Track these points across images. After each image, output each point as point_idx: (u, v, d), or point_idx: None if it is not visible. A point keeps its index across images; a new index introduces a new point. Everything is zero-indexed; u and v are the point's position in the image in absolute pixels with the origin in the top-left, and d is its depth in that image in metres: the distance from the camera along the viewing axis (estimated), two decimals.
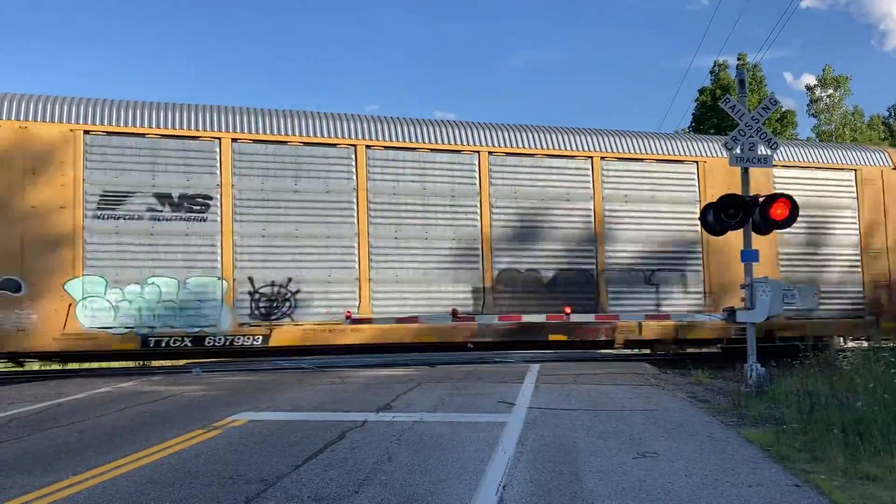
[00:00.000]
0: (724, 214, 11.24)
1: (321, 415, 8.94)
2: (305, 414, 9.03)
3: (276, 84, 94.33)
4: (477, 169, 15.70)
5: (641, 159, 16.66)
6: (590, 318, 15.57)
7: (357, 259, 14.88)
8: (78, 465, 6.48)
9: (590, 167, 16.34)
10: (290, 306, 14.51)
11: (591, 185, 16.29)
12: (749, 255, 11.31)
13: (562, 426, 8.02)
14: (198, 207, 14.24)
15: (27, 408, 9.97)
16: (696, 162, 16.92)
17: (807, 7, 71.46)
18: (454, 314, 14.91)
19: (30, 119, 13.64)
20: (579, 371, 13.64)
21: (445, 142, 15.64)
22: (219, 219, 14.29)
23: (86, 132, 13.83)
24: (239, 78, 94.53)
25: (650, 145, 16.81)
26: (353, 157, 15.08)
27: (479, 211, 15.63)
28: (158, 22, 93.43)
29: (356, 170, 15.05)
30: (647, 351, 17.66)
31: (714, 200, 11.63)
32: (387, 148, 15.30)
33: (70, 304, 13.42)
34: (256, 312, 14.35)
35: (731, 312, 11.39)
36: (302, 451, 6.85)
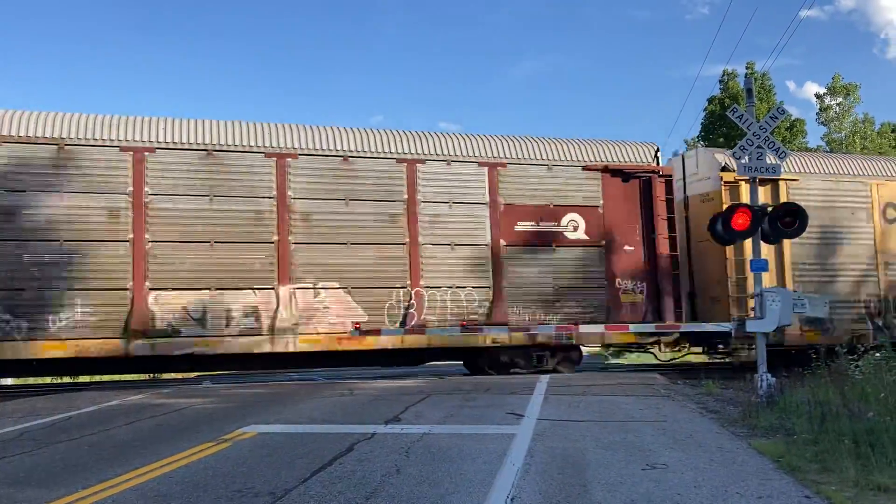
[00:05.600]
0: (732, 224, 11.20)
1: (330, 427, 8.95)
2: (314, 426, 9.04)
3: (275, 94, 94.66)
4: None
5: None
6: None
7: None
8: (88, 479, 6.51)
9: None
10: None
11: None
12: (759, 265, 11.26)
13: (571, 437, 7.99)
14: None
15: (38, 421, 10.03)
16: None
17: (807, 16, 71.39)
18: None
19: None
20: (590, 382, 13.59)
21: None
22: None
23: None
24: (236, 87, 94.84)
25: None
26: None
27: None
28: (148, 26, 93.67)
29: None
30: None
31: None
32: None
33: None
34: None
35: (741, 322, 11.34)
36: (310, 464, 6.86)
